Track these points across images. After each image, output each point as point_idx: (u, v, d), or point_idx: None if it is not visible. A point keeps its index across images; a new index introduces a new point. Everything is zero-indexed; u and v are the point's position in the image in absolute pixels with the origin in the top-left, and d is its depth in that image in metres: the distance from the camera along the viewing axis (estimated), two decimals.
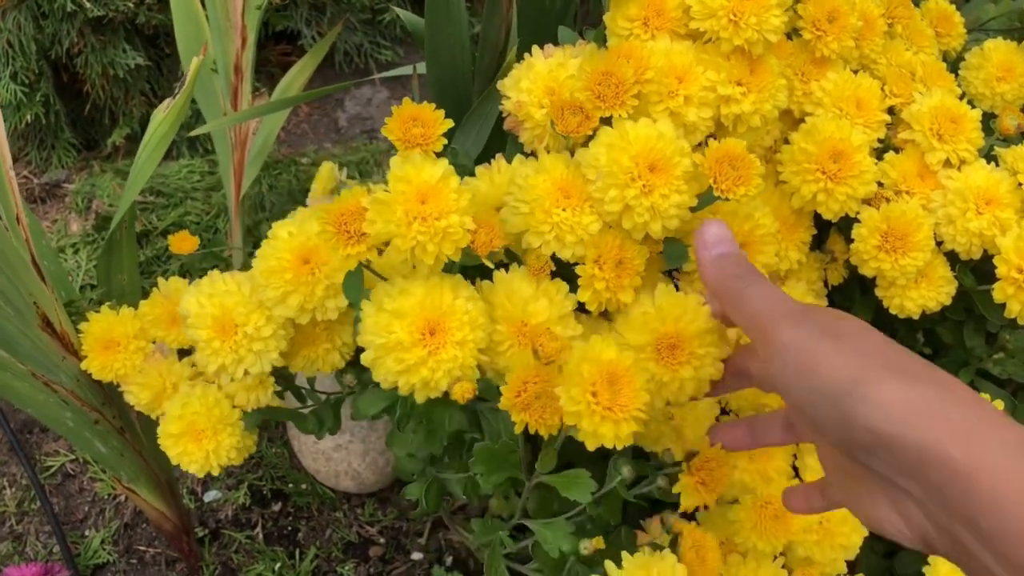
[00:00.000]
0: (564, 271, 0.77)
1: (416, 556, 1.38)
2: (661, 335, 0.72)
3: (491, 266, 0.71)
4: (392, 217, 0.65)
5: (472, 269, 0.78)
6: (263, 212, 1.73)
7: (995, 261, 0.83)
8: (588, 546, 0.79)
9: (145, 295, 0.98)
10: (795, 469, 0.90)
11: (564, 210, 0.73)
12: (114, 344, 0.97)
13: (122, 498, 1.40)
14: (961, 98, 1.05)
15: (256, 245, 1.72)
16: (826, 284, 0.95)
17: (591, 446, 0.66)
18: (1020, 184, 0.85)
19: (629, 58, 0.76)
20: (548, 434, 0.67)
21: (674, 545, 0.82)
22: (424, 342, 0.68)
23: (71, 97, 1.82)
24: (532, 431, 0.67)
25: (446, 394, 0.69)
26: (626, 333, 0.74)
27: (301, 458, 1.43)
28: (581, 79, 0.75)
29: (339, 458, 1.39)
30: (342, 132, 2.04)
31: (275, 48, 2.05)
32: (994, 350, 0.94)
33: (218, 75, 1.39)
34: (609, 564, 0.71)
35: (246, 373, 0.78)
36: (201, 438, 0.84)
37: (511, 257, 0.77)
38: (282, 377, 0.94)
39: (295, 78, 1.41)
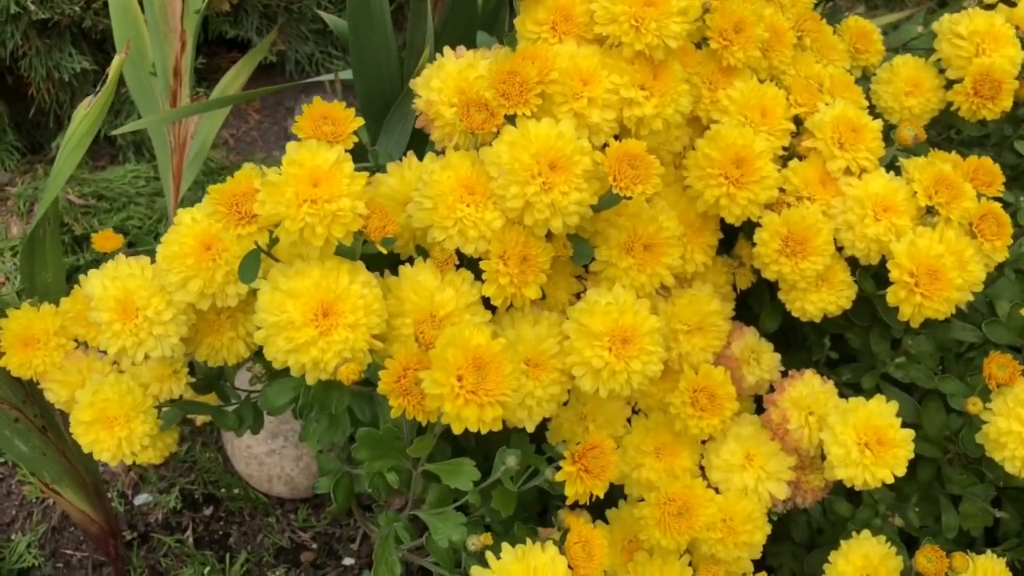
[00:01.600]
0: (469, 267, 0.79)
1: (348, 561, 1.38)
2: (619, 327, 0.76)
3: (384, 252, 0.73)
4: (282, 199, 0.67)
5: (378, 264, 0.80)
6: None
7: (888, 265, 0.85)
8: (476, 542, 0.79)
9: (66, 295, 0.99)
10: (701, 468, 0.92)
11: (468, 206, 0.75)
12: (34, 341, 0.96)
13: (50, 501, 1.39)
14: (871, 111, 1.09)
15: None
16: (735, 288, 0.97)
17: (457, 429, 0.67)
18: (915, 193, 0.88)
19: (534, 60, 0.78)
20: (427, 420, 0.69)
21: (562, 540, 0.83)
22: (316, 323, 0.69)
23: (15, 100, 1.82)
24: (409, 416, 0.68)
25: None
26: (586, 320, 0.77)
27: (234, 462, 1.43)
28: (487, 78, 0.77)
29: (272, 463, 1.39)
30: (292, 139, 2.05)
31: (226, 56, 2.06)
32: (898, 355, 0.97)
33: (157, 78, 1.39)
34: (489, 555, 0.73)
35: (147, 357, 0.79)
36: (113, 425, 0.85)
37: (420, 254, 0.79)
38: (206, 375, 0.95)
39: (233, 80, 1.42)
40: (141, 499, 1.41)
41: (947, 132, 1.16)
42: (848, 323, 0.98)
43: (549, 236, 0.78)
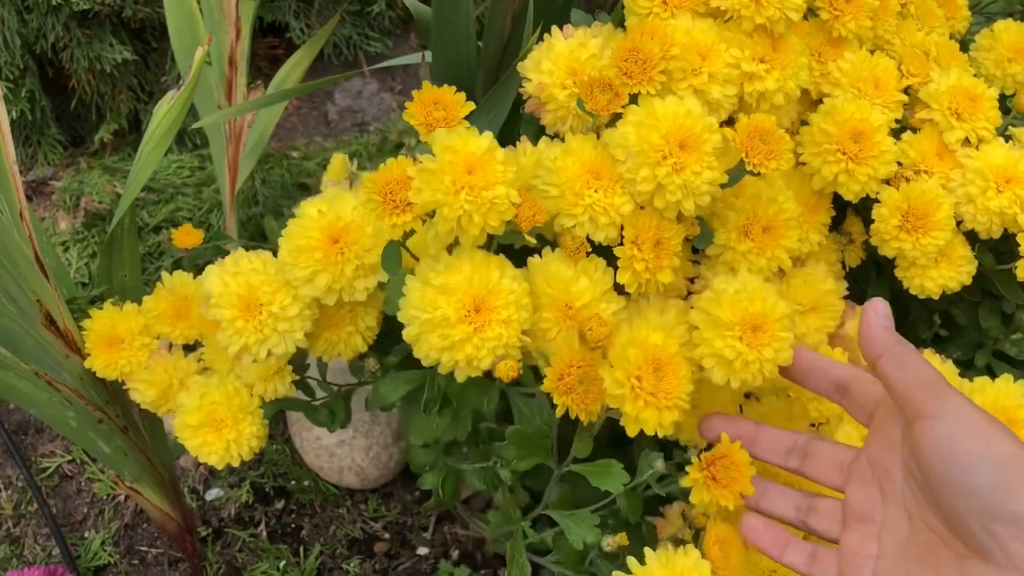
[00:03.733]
0: (598, 254, 0.76)
1: (422, 551, 1.36)
2: (749, 315, 0.73)
3: (533, 243, 0.70)
4: (440, 186, 0.64)
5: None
6: (256, 207, 1.71)
7: (1019, 239, 0.83)
8: (611, 542, 0.77)
9: (143, 293, 0.96)
10: None
11: (596, 191, 0.72)
12: (118, 341, 0.94)
13: (121, 498, 1.38)
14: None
15: (252, 239, 1.69)
16: (843, 266, 0.95)
17: (631, 431, 0.65)
18: None
19: (654, 35, 0.75)
20: (587, 420, 0.67)
21: (696, 539, 0.81)
22: (470, 319, 0.67)
23: (56, 93, 1.79)
24: (573, 415, 0.66)
25: (484, 374, 0.68)
26: (715, 310, 0.74)
27: (303, 455, 1.41)
28: (608, 57, 0.74)
29: (342, 454, 1.38)
30: (332, 125, 2.02)
31: (262, 41, 2.02)
32: (1011, 330, 0.94)
33: (212, 68, 1.36)
34: (632, 561, 0.70)
35: (269, 354, 0.77)
36: (221, 428, 0.83)
37: (542, 243, 0.76)
38: (295, 369, 0.93)
39: (291, 70, 1.38)
40: (212, 494, 1.39)
41: None
42: (955, 298, 0.95)
43: (678, 218, 0.75)
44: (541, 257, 0.75)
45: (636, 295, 0.75)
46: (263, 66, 1.99)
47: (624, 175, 0.72)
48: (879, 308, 0.64)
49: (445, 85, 0.75)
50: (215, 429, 0.83)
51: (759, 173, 0.72)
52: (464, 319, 0.66)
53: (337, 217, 0.73)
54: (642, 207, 0.74)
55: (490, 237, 0.69)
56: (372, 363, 0.82)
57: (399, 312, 0.69)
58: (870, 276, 0.95)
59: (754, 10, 0.77)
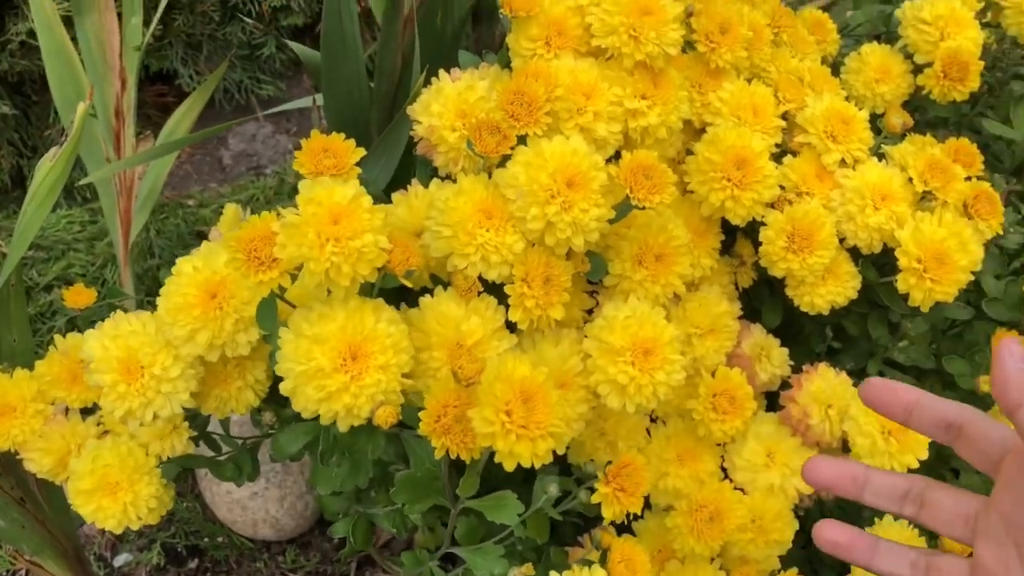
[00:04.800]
0: (489, 291, 0.77)
1: None
2: (639, 339, 0.75)
3: (410, 285, 0.70)
4: (304, 240, 0.64)
5: (394, 297, 0.77)
6: (152, 259, 1.66)
7: (896, 254, 0.87)
8: (518, 573, 0.78)
9: (35, 356, 0.93)
10: (723, 471, 0.92)
11: (488, 230, 0.73)
12: (10, 410, 0.91)
13: (22, 573, 1.32)
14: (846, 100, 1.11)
15: (149, 293, 1.64)
16: (737, 287, 0.97)
17: (509, 466, 0.65)
18: (910, 179, 0.89)
19: (538, 77, 0.77)
20: (470, 458, 0.67)
21: (604, 560, 0.82)
22: (346, 367, 0.66)
23: None
24: (453, 456, 0.66)
25: (369, 421, 0.67)
26: (607, 336, 0.76)
27: (215, 510, 1.37)
28: (494, 100, 0.75)
29: (255, 506, 1.34)
30: (227, 170, 1.98)
31: (150, 89, 1.98)
32: (898, 338, 0.98)
33: (97, 120, 1.33)
34: None
35: (155, 417, 0.75)
36: (116, 491, 0.80)
37: (436, 283, 0.76)
38: (194, 425, 0.91)
39: (181, 119, 1.36)
40: (121, 560, 1.34)
41: (912, 115, 1.18)
42: (845, 311, 0.99)
43: (568, 254, 0.77)
44: (432, 296, 0.75)
45: (529, 330, 0.76)
46: (152, 114, 1.95)
47: (515, 214, 0.73)
48: (1015, 351, 0.58)
49: (335, 132, 0.75)
50: (110, 493, 0.80)
51: (644, 207, 0.74)
52: (340, 368, 0.66)
53: (213, 272, 0.72)
54: (533, 244, 0.75)
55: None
56: (268, 416, 0.81)
57: (276, 365, 0.68)
58: (763, 295, 0.98)
59: (633, 47, 0.79)
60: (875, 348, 1.01)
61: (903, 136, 0.95)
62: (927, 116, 1.15)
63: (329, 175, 0.73)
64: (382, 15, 0.99)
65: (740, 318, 0.96)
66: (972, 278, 0.89)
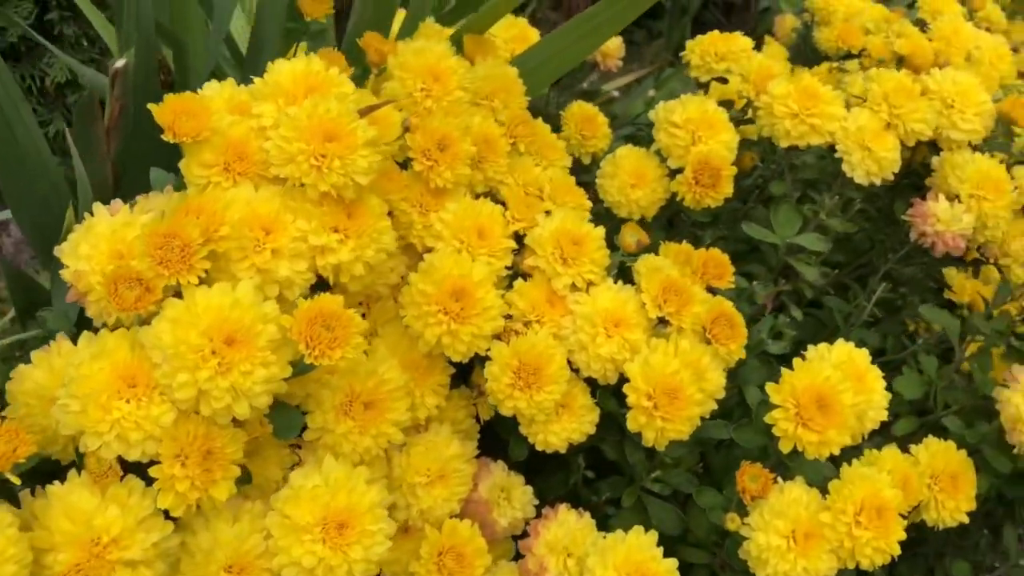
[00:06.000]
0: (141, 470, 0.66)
1: None
2: (332, 511, 0.67)
3: (17, 483, 0.58)
4: None
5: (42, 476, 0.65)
6: None
7: (625, 389, 0.80)
8: None
9: None
10: None
11: (128, 401, 0.62)
12: None
13: None
14: (600, 206, 1.05)
15: None
16: (478, 419, 0.89)
17: None
18: (643, 304, 0.83)
19: (199, 214, 0.67)
20: None
21: None
22: None
23: None
24: None
25: None
26: (291, 510, 0.67)
27: None
28: (139, 244, 0.65)
29: None
30: None
31: None
32: (654, 466, 0.91)
33: None
34: None
35: None
36: None
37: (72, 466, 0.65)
38: None
39: None
40: None
41: (678, 216, 1.14)
42: (600, 436, 0.92)
43: (236, 421, 0.66)
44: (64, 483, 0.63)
45: (189, 516, 0.65)
46: None
47: (160, 381, 0.63)
48: None
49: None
50: None
51: (319, 365, 0.65)
52: None
53: None
54: (190, 414, 0.64)
55: None
56: None
57: None
58: (509, 425, 0.90)
59: (316, 178, 0.71)
60: (634, 474, 0.94)
61: (638, 255, 0.89)
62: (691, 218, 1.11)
63: None
64: (70, 131, 0.88)
65: (480, 455, 0.87)
66: (714, 407, 0.84)
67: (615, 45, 1.33)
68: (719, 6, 2.99)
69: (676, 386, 0.79)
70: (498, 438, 0.93)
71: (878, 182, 1.03)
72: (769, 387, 0.83)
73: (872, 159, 1.01)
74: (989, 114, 1.11)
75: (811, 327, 1.20)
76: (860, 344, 1.11)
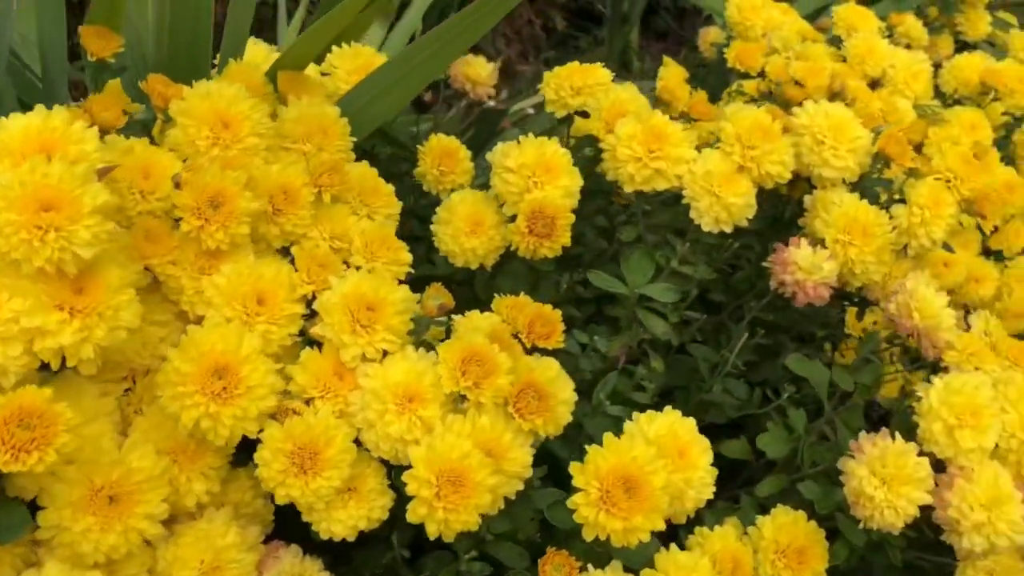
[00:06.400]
0: None
1: None
2: None
3: None
4: None
5: None
6: None
7: (404, 477, 0.72)
8: None
9: None
10: None
11: None
12: None
13: None
14: (434, 254, 0.98)
15: None
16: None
17: None
18: (440, 377, 0.76)
19: None
20: None
21: None
22: None
23: None
24: None
25: None
26: None
27: None
28: None
29: None
30: None
31: None
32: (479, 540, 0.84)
33: None
34: None
35: None
36: None
37: None
38: None
39: None
40: None
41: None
42: None
43: None
44: None
45: None
46: None
47: None
48: None
49: None
50: None
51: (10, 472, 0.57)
52: None
53: None
54: None
55: None
56: None
57: None
58: None
59: (28, 251, 0.63)
60: (458, 549, 0.86)
61: (450, 316, 0.82)
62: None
63: None
64: None
65: (275, 537, 0.80)
66: (512, 496, 0.76)
67: (487, 72, 1.24)
68: (671, 12, 2.92)
69: (463, 471, 0.72)
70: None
71: (728, 230, 0.95)
72: (573, 467, 0.75)
73: (721, 205, 0.93)
74: (864, 150, 1.03)
75: (685, 372, 1.13)
76: (725, 395, 1.04)
